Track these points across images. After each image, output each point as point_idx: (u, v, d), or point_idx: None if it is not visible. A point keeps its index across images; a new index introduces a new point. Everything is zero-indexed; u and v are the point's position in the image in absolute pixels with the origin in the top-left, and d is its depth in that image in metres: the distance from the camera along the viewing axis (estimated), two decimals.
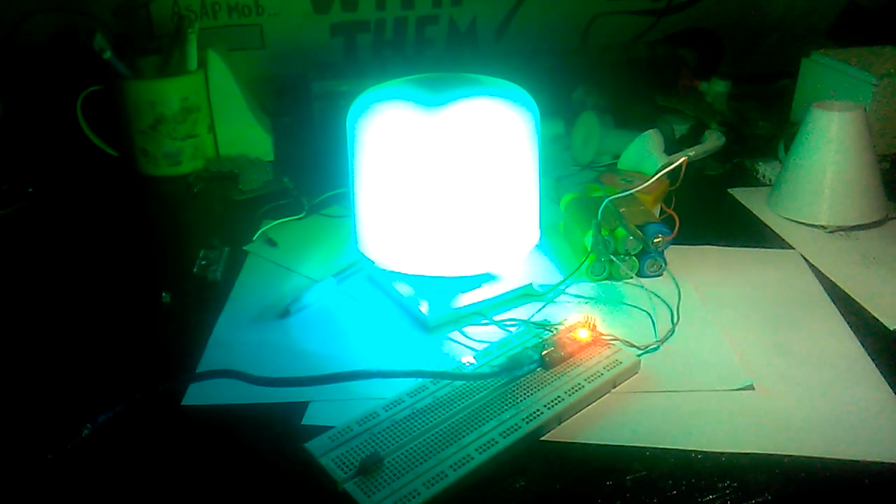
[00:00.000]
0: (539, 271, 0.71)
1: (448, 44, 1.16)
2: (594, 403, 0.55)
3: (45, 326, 0.65)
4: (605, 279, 0.70)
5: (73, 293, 0.70)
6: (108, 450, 0.51)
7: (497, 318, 0.64)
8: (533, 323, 0.62)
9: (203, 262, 0.72)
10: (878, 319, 0.64)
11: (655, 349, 0.60)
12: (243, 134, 0.97)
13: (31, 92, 1.01)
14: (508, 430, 0.50)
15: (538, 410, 0.52)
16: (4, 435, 0.52)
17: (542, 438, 0.52)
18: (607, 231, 0.68)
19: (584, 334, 0.58)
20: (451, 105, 0.58)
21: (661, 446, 0.51)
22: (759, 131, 0.98)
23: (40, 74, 1.01)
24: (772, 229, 0.80)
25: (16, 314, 0.67)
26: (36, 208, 0.86)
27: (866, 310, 0.66)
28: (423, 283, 0.66)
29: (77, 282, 0.72)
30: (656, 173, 0.71)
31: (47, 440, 0.51)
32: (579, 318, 0.60)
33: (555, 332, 0.60)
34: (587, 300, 0.67)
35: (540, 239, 0.68)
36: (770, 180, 0.90)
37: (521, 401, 0.53)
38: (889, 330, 0.63)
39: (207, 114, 0.95)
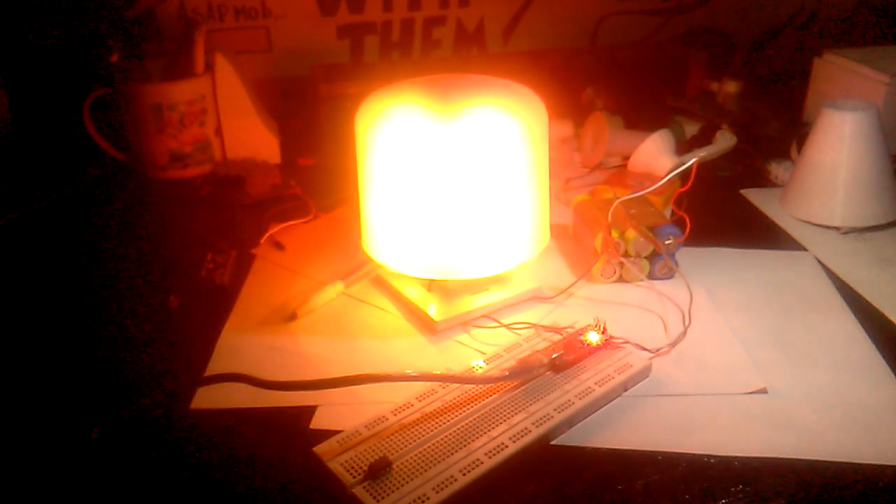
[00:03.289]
0: (549, 274, 0.70)
1: (455, 45, 1.15)
2: (605, 407, 0.54)
3: (52, 330, 0.65)
4: (616, 281, 0.69)
5: (81, 297, 0.70)
6: (116, 454, 0.50)
7: (506, 321, 0.63)
8: (543, 326, 0.62)
9: (210, 266, 0.72)
10: (892, 322, 0.64)
11: (667, 352, 0.60)
12: (250, 137, 0.97)
13: (39, 95, 1.01)
14: (518, 434, 0.50)
15: (548, 414, 0.51)
16: (11, 439, 0.52)
17: (553, 443, 0.51)
18: (618, 233, 0.68)
19: (594, 337, 0.58)
20: (461, 113, 0.58)
21: (673, 450, 0.50)
22: (770, 132, 0.97)
23: (48, 78, 1.01)
24: (784, 231, 0.79)
25: (23, 318, 0.67)
26: (43, 212, 0.86)
27: (881, 312, 0.65)
28: (432, 286, 0.66)
29: (85, 285, 0.71)
30: (667, 175, 0.70)
31: (55, 444, 0.50)
32: (590, 321, 0.60)
33: (565, 334, 0.59)
34: (598, 303, 0.67)
35: (549, 241, 0.67)
36: (782, 181, 0.89)
37: (530, 404, 0.52)
38: None
39: (214, 117, 0.95)
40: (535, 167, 0.62)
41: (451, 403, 0.52)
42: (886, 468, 0.49)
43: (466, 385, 0.54)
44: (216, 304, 0.67)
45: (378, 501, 0.44)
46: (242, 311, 0.67)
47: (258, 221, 0.82)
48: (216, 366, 0.59)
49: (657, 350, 0.59)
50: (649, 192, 0.70)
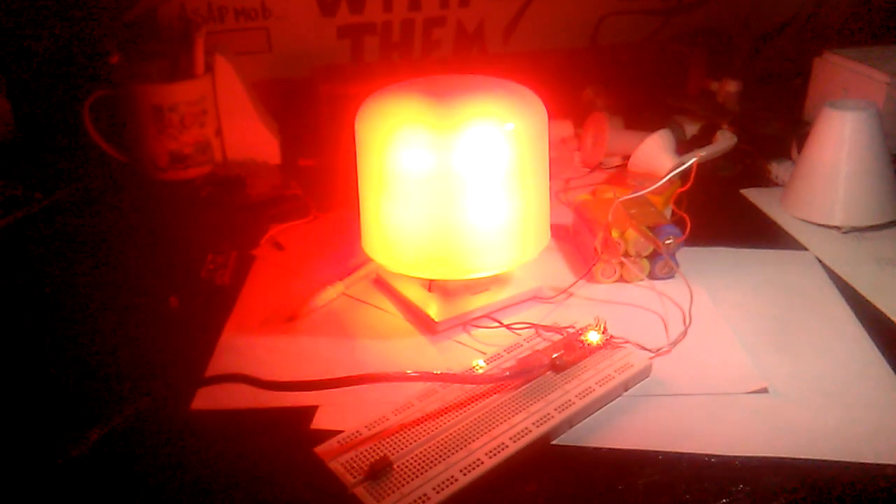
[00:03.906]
0: (549, 274, 0.70)
1: (455, 45, 1.15)
2: (605, 407, 0.54)
3: (53, 331, 0.65)
4: (616, 281, 0.69)
5: (82, 298, 0.70)
6: (117, 455, 0.50)
7: (506, 321, 0.63)
8: (543, 326, 0.62)
9: (211, 267, 0.72)
10: (893, 321, 0.64)
11: (667, 352, 0.60)
12: (251, 137, 0.97)
13: (40, 97, 1.02)
14: (519, 433, 0.50)
15: (549, 414, 0.51)
16: (12, 440, 0.52)
17: (553, 442, 0.51)
18: (618, 233, 0.68)
19: (594, 337, 0.58)
20: (462, 120, 0.58)
21: (673, 450, 0.50)
22: (771, 131, 0.97)
23: (49, 79, 1.01)
24: (785, 230, 0.79)
25: (24, 319, 0.67)
26: (44, 213, 0.86)
27: (881, 311, 0.65)
28: (432, 286, 0.66)
29: (85, 287, 0.71)
30: (667, 174, 0.70)
31: (55, 446, 0.50)
32: (590, 321, 0.60)
33: (565, 334, 0.59)
34: (598, 303, 0.67)
35: (549, 241, 0.67)
36: (782, 181, 0.89)
37: (531, 404, 0.52)
38: None
39: (215, 118, 0.95)
40: (536, 169, 0.62)
41: (451, 403, 0.52)
42: (886, 468, 0.49)
43: (467, 385, 0.54)
44: (216, 305, 0.67)
45: (379, 501, 0.44)
46: (243, 312, 0.67)
47: (258, 222, 0.82)
48: (216, 366, 0.59)
49: (657, 350, 0.59)
50: (649, 192, 0.70)
